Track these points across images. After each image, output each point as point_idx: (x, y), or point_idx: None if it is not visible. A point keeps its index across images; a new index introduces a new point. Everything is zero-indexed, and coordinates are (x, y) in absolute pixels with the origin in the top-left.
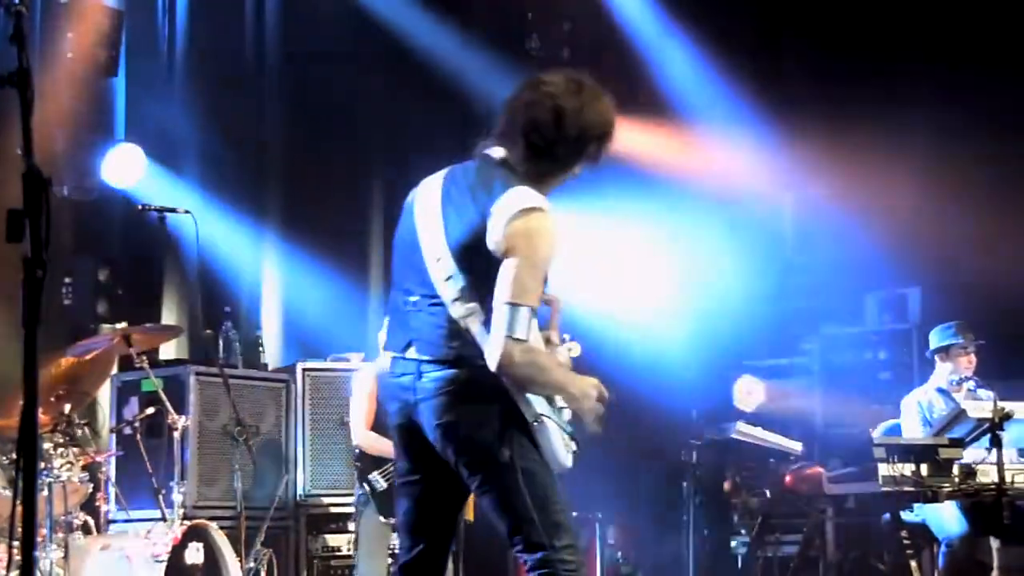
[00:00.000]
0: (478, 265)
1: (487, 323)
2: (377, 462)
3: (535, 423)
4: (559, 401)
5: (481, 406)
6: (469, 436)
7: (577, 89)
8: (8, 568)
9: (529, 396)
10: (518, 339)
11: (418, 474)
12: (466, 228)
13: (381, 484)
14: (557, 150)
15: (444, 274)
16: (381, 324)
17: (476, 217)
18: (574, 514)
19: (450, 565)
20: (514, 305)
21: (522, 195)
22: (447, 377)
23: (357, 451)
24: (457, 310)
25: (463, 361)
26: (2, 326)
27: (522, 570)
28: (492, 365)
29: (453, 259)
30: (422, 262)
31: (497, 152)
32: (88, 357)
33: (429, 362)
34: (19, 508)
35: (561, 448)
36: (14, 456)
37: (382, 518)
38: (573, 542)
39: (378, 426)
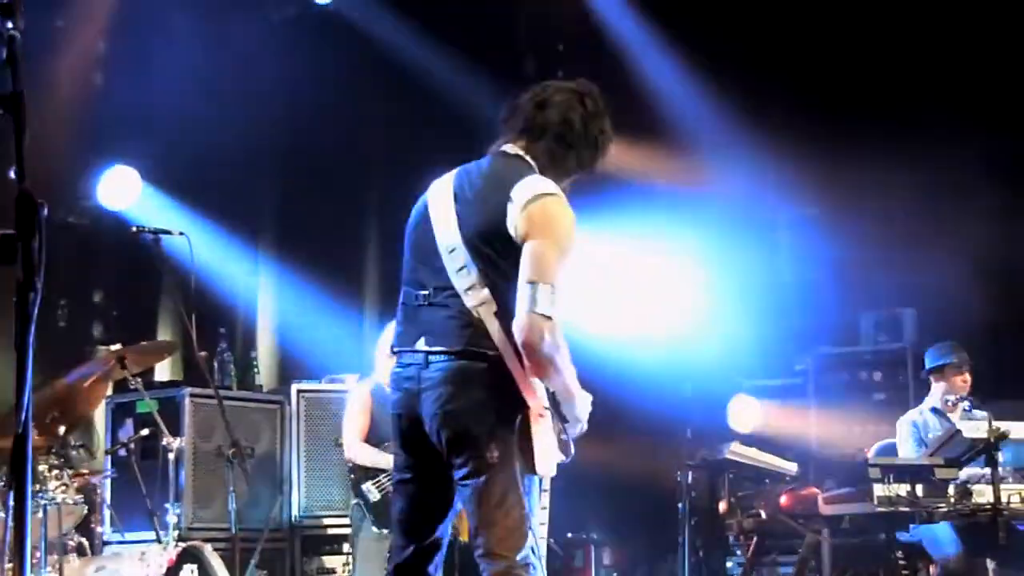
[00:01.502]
0: (492, 254)
1: (499, 313)
2: (370, 473)
3: (540, 415)
4: None
5: (483, 399)
6: (464, 428)
7: (595, 97)
8: None
9: (539, 386)
10: (544, 315)
11: (413, 471)
12: (482, 217)
13: (374, 494)
14: (581, 149)
15: (457, 265)
16: (375, 345)
17: (493, 205)
18: (568, 535)
19: None
20: (536, 283)
21: (538, 182)
22: (453, 366)
23: (350, 464)
24: (470, 299)
25: (472, 351)
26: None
27: None
28: (519, 339)
29: (467, 249)
30: (436, 255)
31: (512, 148)
32: (82, 379)
33: (437, 352)
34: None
35: (551, 451)
36: (7, 478)
37: (375, 529)
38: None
39: (371, 440)
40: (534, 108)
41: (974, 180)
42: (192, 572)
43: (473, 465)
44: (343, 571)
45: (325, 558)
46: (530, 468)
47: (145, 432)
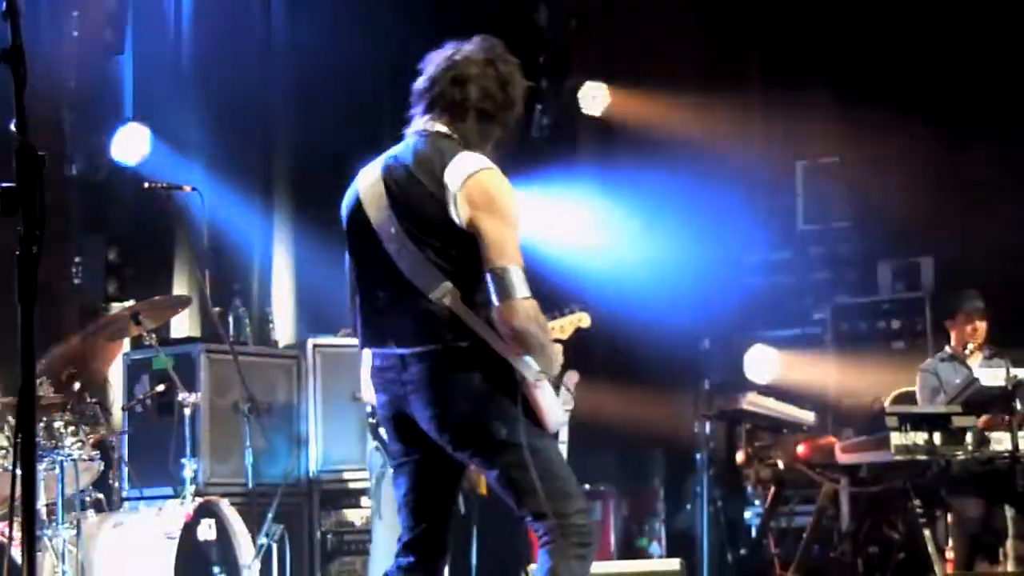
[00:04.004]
0: (440, 243)
1: (466, 299)
2: None
3: (537, 381)
4: None
5: (469, 388)
6: (463, 422)
7: (504, 56)
8: (11, 544)
9: (527, 357)
10: (525, 297)
11: (413, 455)
12: (420, 208)
13: None
14: (505, 114)
15: (409, 260)
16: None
17: (427, 193)
18: (586, 487)
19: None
20: (502, 268)
21: (468, 160)
22: (432, 366)
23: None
24: (432, 293)
25: (444, 345)
26: (10, 307)
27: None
28: (508, 328)
29: (414, 243)
30: (384, 253)
31: (435, 126)
32: (98, 336)
33: (411, 354)
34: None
35: (558, 405)
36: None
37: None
38: (583, 506)
39: None
40: (451, 86)
41: (991, 127)
42: (209, 527)
43: (488, 452)
44: (361, 525)
45: (342, 512)
46: (541, 428)
47: (161, 388)
